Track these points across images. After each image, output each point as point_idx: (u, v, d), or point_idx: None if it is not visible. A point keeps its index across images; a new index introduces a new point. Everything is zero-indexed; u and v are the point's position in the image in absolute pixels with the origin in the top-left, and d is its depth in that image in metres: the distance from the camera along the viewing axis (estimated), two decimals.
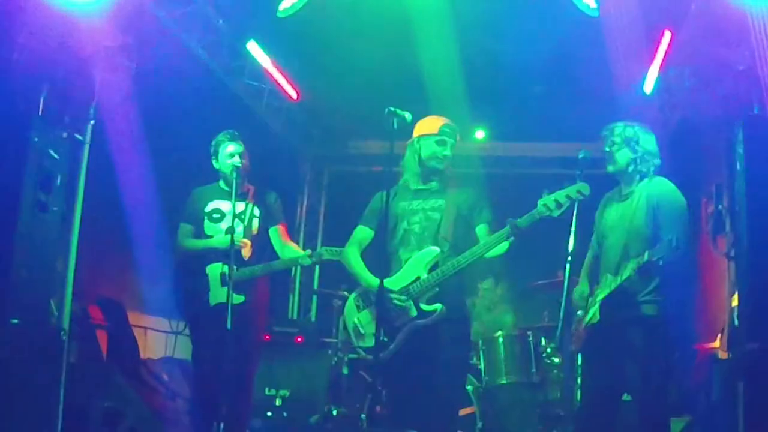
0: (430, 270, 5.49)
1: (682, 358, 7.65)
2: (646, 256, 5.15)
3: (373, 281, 5.51)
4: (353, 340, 5.69)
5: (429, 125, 5.71)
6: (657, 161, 5.66)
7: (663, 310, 5.48)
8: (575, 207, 5.40)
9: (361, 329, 5.62)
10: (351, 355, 8.41)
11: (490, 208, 5.76)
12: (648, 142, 5.66)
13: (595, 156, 5.70)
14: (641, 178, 5.62)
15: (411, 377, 5.47)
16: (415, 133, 5.73)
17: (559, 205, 5.26)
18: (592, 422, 5.57)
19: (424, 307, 5.45)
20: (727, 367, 6.76)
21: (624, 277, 5.33)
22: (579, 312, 5.73)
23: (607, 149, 5.67)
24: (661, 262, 5.11)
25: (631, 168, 5.61)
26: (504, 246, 5.53)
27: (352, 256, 5.78)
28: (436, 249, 5.52)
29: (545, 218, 5.30)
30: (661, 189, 5.55)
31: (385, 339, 5.44)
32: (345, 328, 5.80)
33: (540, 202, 5.31)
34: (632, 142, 5.61)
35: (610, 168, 5.68)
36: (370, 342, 5.56)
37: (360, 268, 5.71)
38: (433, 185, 5.73)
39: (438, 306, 5.44)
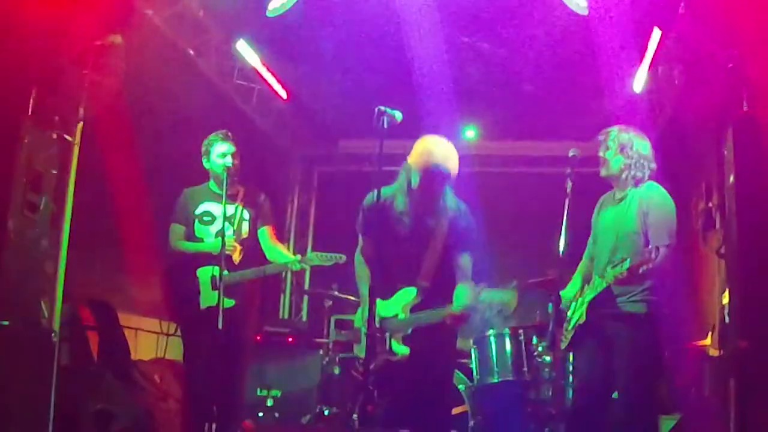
0: (409, 310, 5.55)
1: (672, 355, 7.67)
2: (626, 265, 5.13)
3: (367, 306, 5.52)
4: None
5: (419, 157, 5.58)
6: (652, 165, 5.57)
7: (651, 309, 5.47)
8: (566, 206, 5.41)
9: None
10: (342, 355, 8.42)
11: (475, 234, 5.74)
12: (643, 147, 5.59)
13: (588, 154, 5.70)
14: (635, 184, 5.57)
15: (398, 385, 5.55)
16: (410, 159, 5.65)
17: None
18: (582, 421, 5.57)
19: (395, 346, 5.51)
20: (718, 365, 6.78)
21: (608, 281, 5.32)
22: (569, 312, 5.74)
23: (602, 154, 5.62)
24: (641, 270, 5.09)
25: (624, 174, 5.56)
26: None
27: (360, 270, 5.80)
28: (414, 291, 5.56)
29: None
30: (651, 194, 5.50)
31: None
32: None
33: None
34: (626, 148, 5.56)
35: (603, 172, 5.63)
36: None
37: (363, 287, 5.70)
38: (420, 212, 5.68)
39: (406, 350, 5.50)
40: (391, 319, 5.54)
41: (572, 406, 5.95)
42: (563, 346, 5.80)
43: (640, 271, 5.03)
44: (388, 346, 5.52)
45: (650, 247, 5.12)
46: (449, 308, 5.45)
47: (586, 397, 5.59)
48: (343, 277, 6.61)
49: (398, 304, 5.59)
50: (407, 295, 5.57)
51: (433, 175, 5.45)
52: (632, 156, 5.53)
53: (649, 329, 5.47)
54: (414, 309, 5.57)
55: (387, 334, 5.53)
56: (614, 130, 5.63)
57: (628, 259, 5.09)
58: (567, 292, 5.77)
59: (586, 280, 5.72)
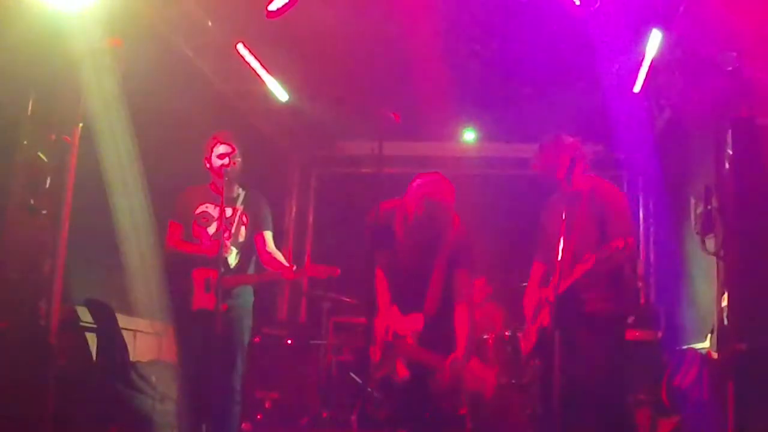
0: (416, 337, 5.62)
1: (671, 357, 7.67)
2: (593, 261, 5.16)
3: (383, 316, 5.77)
4: None
5: (413, 194, 5.75)
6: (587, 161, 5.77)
7: (619, 307, 5.51)
8: (564, 208, 5.43)
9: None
10: (340, 357, 8.43)
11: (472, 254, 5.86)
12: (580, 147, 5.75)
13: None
14: (582, 180, 5.67)
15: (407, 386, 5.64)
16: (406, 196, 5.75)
17: None
18: (561, 421, 5.54)
19: (398, 367, 5.61)
20: (716, 367, 6.78)
21: (572, 279, 5.34)
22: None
23: (545, 161, 5.75)
24: (603, 259, 5.14)
25: (573, 173, 5.66)
26: None
27: (379, 282, 5.88)
28: (421, 319, 5.63)
29: None
30: (601, 189, 5.61)
31: None
32: None
33: None
34: (570, 150, 5.68)
35: (557, 175, 5.72)
36: None
37: (382, 296, 5.79)
38: (426, 231, 5.77)
39: (406, 373, 5.67)
40: (400, 340, 5.64)
41: (544, 409, 5.94)
42: (524, 349, 5.87)
43: (605, 262, 5.10)
44: (394, 364, 5.62)
45: (613, 240, 5.16)
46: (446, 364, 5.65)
47: (560, 398, 5.56)
48: (342, 279, 6.60)
49: (408, 327, 5.68)
50: (416, 320, 5.68)
51: (426, 217, 5.59)
52: (576, 157, 5.64)
53: (618, 326, 5.53)
54: (421, 337, 5.67)
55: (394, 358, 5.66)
56: (552, 138, 5.77)
57: (595, 255, 5.14)
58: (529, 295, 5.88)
59: (544, 281, 5.76)
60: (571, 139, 5.83)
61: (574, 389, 5.43)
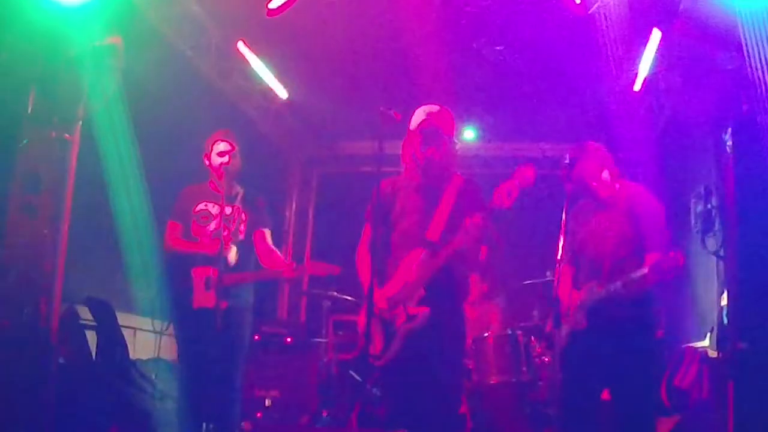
0: (417, 268, 5.46)
1: (671, 356, 7.67)
2: (640, 273, 5.13)
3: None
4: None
5: (414, 119, 5.65)
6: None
7: (654, 312, 5.47)
8: (565, 208, 5.41)
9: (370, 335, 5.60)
10: (341, 356, 8.43)
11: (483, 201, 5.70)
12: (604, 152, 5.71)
13: None
14: (616, 186, 5.63)
15: (409, 379, 5.46)
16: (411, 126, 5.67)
17: None
18: (577, 424, 5.53)
19: (411, 311, 5.42)
20: (716, 366, 6.79)
21: (613, 288, 5.30)
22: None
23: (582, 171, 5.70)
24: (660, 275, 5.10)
25: (609, 181, 5.63)
26: None
27: (362, 260, 5.73)
28: (420, 251, 5.48)
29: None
30: (640, 197, 5.56)
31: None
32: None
33: None
34: (606, 160, 5.65)
35: (593, 184, 5.67)
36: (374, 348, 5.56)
37: (365, 276, 5.63)
38: (431, 181, 5.65)
39: (423, 309, 5.41)
40: (400, 292, 5.47)
41: (566, 408, 5.89)
42: (558, 349, 5.79)
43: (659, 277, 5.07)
44: (405, 316, 5.44)
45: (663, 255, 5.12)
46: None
47: (583, 400, 5.55)
48: (342, 277, 6.60)
49: (404, 272, 5.50)
50: (413, 258, 5.50)
51: (428, 133, 5.51)
52: (606, 162, 5.61)
53: (651, 333, 5.47)
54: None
55: (402, 306, 5.46)
56: (582, 147, 5.71)
57: (645, 268, 5.09)
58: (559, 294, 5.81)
59: (575, 285, 5.71)
60: (598, 145, 5.76)
61: (602, 390, 5.43)
